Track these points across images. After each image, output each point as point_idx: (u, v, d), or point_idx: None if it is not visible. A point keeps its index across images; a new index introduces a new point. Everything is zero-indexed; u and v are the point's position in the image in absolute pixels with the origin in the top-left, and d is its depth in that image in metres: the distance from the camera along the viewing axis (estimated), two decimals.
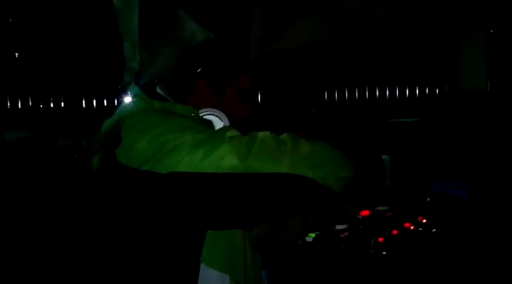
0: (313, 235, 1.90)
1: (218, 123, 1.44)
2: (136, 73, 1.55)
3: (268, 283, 1.81)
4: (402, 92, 4.81)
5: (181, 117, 1.39)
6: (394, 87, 4.79)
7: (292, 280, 1.86)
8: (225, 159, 1.25)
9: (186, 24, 1.69)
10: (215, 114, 1.45)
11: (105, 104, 4.21)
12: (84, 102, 4.23)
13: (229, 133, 1.31)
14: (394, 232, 1.94)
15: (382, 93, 4.79)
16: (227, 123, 1.45)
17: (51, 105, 4.21)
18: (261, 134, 1.31)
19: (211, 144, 1.27)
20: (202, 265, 1.35)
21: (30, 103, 4.20)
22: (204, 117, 1.44)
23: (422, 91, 4.83)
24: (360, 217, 2.05)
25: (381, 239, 1.86)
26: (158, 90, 1.54)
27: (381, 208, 2.13)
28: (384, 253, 1.80)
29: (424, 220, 2.05)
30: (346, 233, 1.93)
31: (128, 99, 1.49)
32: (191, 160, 1.25)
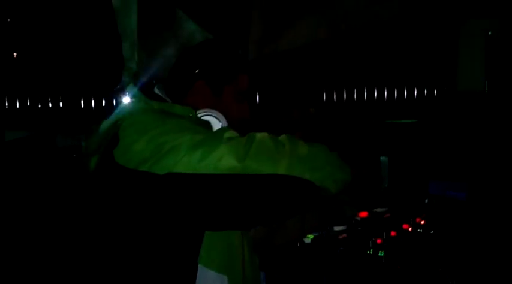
0: (311, 236, 1.90)
1: (216, 124, 1.44)
2: (135, 74, 1.55)
3: None
4: (400, 93, 4.82)
5: (179, 117, 1.39)
6: (393, 88, 4.79)
7: (290, 282, 1.86)
8: (223, 160, 1.26)
9: (185, 25, 1.69)
10: (213, 114, 1.45)
11: (104, 104, 4.20)
12: (82, 102, 4.22)
13: (227, 134, 1.31)
14: (392, 233, 1.94)
15: (381, 94, 4.80)
16: (225, 124, 1.45)
17: (50, 105, 4.21)
18: (259, 135, 1.31)
19: (210, 144, 1.27)
20: (200, 266, 1.35)
21: (29, 103, 4.20)
22: (202, 117, 1.44)
23: (420, 92, 4.83)
24: (358, 218, 2.05)
25: (379, 241, 1.86)
26: (156, 90, 1.54)
27: (379, 209, 2.13)
28: (382, 254, 1.80)
29: (422, 222, 2.05)
30: (344, 235, 1.93)
31: (126, 100, 1.49)
32: (189, 161, 1.26)
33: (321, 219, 1.74)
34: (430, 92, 4.85)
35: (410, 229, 2.00)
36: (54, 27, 4.12)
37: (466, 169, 2.50)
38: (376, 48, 4.70)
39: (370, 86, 4.79)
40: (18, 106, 4.18)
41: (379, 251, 1.81)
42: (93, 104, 4.22)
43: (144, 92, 1.49)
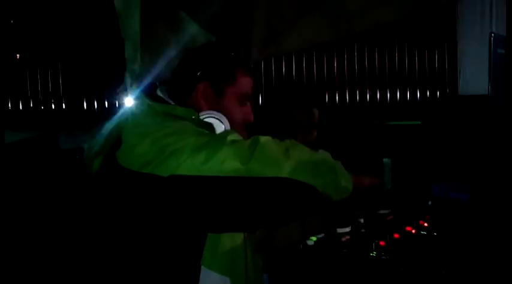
0: (314, 238, 1.89)
1: (219, 126, 1.44)
2: (138, 75, 1.55)
3: None
4: (403, 95, 4.81)
5: (182, 119, 1.39)
6: (395, 90, 4.79)
7: None
8: (226, 162, 1.25)
9: (187, 27, 1.69)
10: (216, 116, 1.45)
11: (106, 106, 4.21)
12: (85, 103, 4.22)
13: (231, 137, 1.31)
14: (396, 235, 1.93)
15: (383, 95, 4.79)
16: (228, 126, 1.44)
17: (53, 106, 4.21)
18: (263, 138, 1.31)
19: (213, 147, 1.27)
20: (203, 268, 1.35)
21: (32, 105, 4.20)
22: (205, 119, 1.44)
23: (423, 94, 4.83)
24: (361, 220, 2.05)
25: (382, 243, 1.86)
26: (159, 92, 1.54)
27: (382, 211, 2.13)
28: (385, 256, 1.79)
29: (426, 224, 2.05)
30: (348, 237, 1.92)
31: (129, 101, 1.49)
32: (193, 163, 1.25)
33: (324, 222, 1.74)
34: (433, 94, 4.84)
35: (413, 231, 1.99)
36: (57, 29, 4.12)
37: (468, 171, 2.50)
38: (379, 49, 4.70)
39: (372, 88, 4.79)
40: (21, 107, 4.18)
41: (383, 254, 1.80)
42: (95, 106, 4.23)
43: (147, 94, 1.49)
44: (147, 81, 1.57)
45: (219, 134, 1.38)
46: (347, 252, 1.83)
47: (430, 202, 2.28)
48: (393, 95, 4.80)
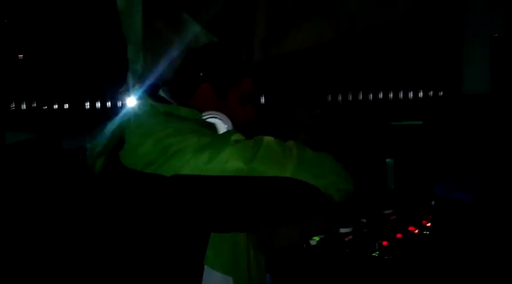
0: (317, 238, 1.89)
1: (221, 126, 1.44)
2: (140, 76, 1.55)
3: None
4: (406, 95, 4.80)
5: (184, 120, 1.39)
6: (398, 90, 4.77)
7: None
8: (230, 162, 1.26)
9: (190, 27, 1.69)
10: (218, 117, 1.45)
11: (109, 106, 4.21)
12: (88, 104, 4.23)
13: (234, 137, 1.31)
14: (399, 235, 1.93)
15: (386, 95, 4.78)
16: (230, 126, 1.45)
17: (55, 106, 4.22)
18: (266, 139, 1.32)
19: (216, 147, 1.27)
20: (205, 267, 1.35)
21: (34, 105, 4.21)
22: (207, 120, 1.44)
23: (426, 94, 4.81)
24: (363, 220, 2.05)
25: (385, 243, 1.85)
26: (161, 93, 1.54)
27: (385, 211, 2.13)
28: (388, 256, 1.79)
29: (429, 224, 2.05)
30: (350, 237, 1.92)
31: (131, 102, 1.49)
32: (196, 163, 1.26)
33: (326, 223, 1.74)
34: (436, 94, 4.83)
35: (416, 231, 1.99)
36: (59, 29, 4.12)
37: (472, 171, 2.49)
38: (381, 49, 4.69)
39: (375, 87, 4.78)
40: (23, 107, 4.19)
41: (386, 254, 1.80)
42: (98, 106, 4.23)
43: (149, 94, 1.49)
44: (149, 81, 1.57)
45: (222, 134, 1.38)
46: (350, 252, 1.83)
47: (433, 202, 2.28)
48: (396, 95, 4.79)
